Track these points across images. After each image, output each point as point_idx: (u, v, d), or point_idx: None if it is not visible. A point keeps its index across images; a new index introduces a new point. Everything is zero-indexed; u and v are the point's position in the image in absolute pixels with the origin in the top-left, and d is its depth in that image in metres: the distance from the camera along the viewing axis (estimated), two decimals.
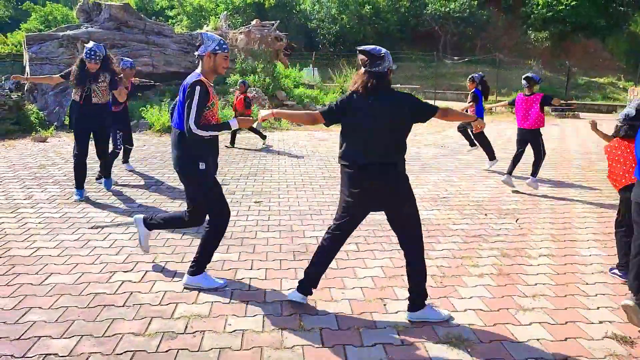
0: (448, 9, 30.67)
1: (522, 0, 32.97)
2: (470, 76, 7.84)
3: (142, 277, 3.35)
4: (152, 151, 8.64)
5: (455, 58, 26.34)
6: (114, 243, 4.02)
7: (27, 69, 12.33)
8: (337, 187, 5.97)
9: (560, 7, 30.80)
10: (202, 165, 3.07)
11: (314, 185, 6.26)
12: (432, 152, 9.19)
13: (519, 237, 4.37)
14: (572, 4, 30.39)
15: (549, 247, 4.12)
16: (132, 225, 4.25)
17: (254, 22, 16.72)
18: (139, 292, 3.12)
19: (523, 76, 6.38)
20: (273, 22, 17.09)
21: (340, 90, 17.28)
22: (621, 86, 30.44)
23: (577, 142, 11.01)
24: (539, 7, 31.57)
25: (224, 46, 3.16)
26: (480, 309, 2.98)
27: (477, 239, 4.31)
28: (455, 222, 4.83)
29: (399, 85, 22.16)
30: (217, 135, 3.25)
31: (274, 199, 5.59)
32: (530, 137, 6.22)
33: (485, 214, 5.10)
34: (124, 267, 3.52)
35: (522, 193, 6.06)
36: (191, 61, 15.18)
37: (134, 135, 10.53)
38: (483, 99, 7.50)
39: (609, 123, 7.06)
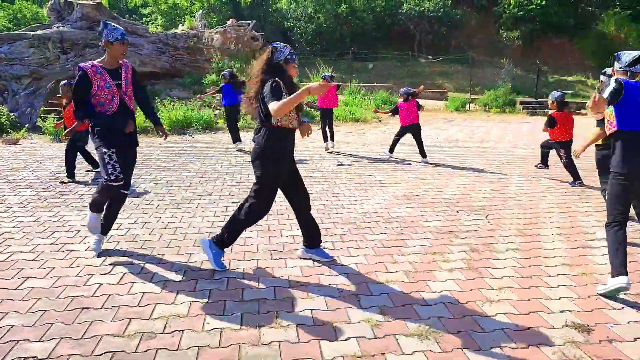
0: (423, 8, 31.08)
1: None
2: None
3: (120, 279, 3.38)
4: None
5: (430, 57, 26.76)
6: (90, 247, 4.02)
7: None
8: (314, 186, 6.06)
9: (531, 7, 31.56)
10: None
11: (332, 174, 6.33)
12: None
13: (488, 233, 4.55)
14: (542, 3, 31.18)
15: (516, 242, 4.31)
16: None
17: (229, 22, 16.67)
18: (117, 294, 3.16)
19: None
20: (249, 21, 17.07)
21: None
22: (589, 84, 31.42)
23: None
24: (511, 7, 32.28)
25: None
26: (450, 302, 3.12)
27: (449, 235, 4.47)
28: (427, 219, 4.99)
29: (375, 84, 22.40)
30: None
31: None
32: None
33: (457, 211, 5.28)
34: (101, 269, 3.55)
35: (493, 190, 6.27)
36: (167, 61, 15.07)
37: None
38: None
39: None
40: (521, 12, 32.14)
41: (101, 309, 2.96)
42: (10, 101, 11.56)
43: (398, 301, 3.13)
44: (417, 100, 8.47)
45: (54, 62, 12.66)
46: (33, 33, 12.68)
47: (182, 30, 16.27)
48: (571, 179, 6.65)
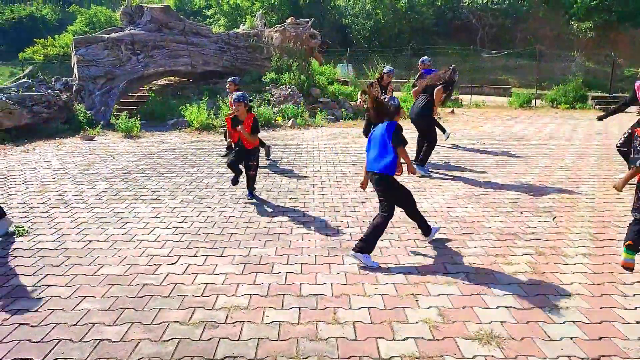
0: (486, 0, 29.94)
1: None
2: None
3: (185, 270, 3.54)
4: (192, 149, 8.94)
5: (494, 51, 25.73)
6: (159, 237, 4.25)
7: (75, 70, 12.96)
8: (371, 185, 6.05)
9: None
10: None
11: (348, 183, 6.35)
12: (468, 148, 9.08)
13: (555, 236, 4.33)
14: None
15: (587, 246, 4.06)
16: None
17: (288, 21, 16.90)
18: (183, 283, 3.32)
19: None
20: (307, 20, 17.21)
21: None
22: None
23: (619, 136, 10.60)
24: None
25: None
26: (513, 307, 3.00)
27: (512, 237, 4.29)
28: (489, 219, 4.82)
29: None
30: None
31: (308, 195, 5.72)
32: None
33: (521, 212, 5.06)
34: (168, 260, 3.74)
35: (561, 191, 5.95)
36: (228, 60, 15.55)
37: (174, 134, 10.96)
38: None
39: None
40: (594, 2, 30.14)
41: (168, 297, 3.12)
42: (87, 100, 12.40)
43: (457, 303, 3.05)
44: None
45: (126, 63, 13.42)
46: (107, 36, 13.52)
47: (243, 29, 16.70)
48: None
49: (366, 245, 3.65)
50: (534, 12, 33.14)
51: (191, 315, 2.88)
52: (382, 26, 30.74)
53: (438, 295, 3.16)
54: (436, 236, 4.27)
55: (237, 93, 5.64)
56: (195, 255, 3.83)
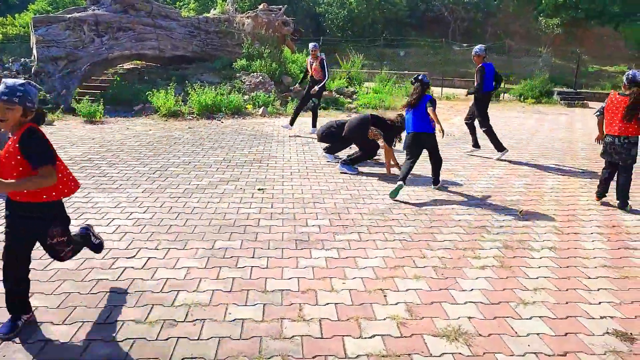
0: None
1: None
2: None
3: (145, 264, 3.37)
4: (158, 136, 8.63)
5: (465, 45, 26.00)
6: (118, 229, 4.04)
7: (34, 51, 12.32)
8: (342, 176, 5.95)
9: None
10: None
11: (318, 173, 6.24)
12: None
13: (522, 229, 4.35)
14: None
15: (552, 240, 4.10)
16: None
17: (261, 6, 16.54)
18: (141, 279, 3.15)
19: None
20: (280, 6, 16.89)
21: (347, 76, 17.14)
22: None
23: (584, 132, 10.88)
24: None
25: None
26: (481, 302, 2.98)
27: (480, 230, 4.29)
28: (458, 212, 4.81)
29: (406, 72, 21.96)
30: None
31: (277, 186, 5.58)
32: None
33: (490, 205, 5.07)
34: (126, 253, 3.55)
35: (528, 184, 6.01)
36: (198, 45, 15.10)
37: (139, 120, 10.58)
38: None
39: None
40: None
41: (124, 293, 2.95)
42: (46, 83, 11.81)
43: (426, 299, 3.01)
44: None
45: (89, 45, 12.84)
46: (69, 16, 12.88)
47: (214, 14, 16.24)
48: None
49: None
50: (505, 7, 33.68)
51: (148, 313, 2.72)
52: (356, 16, 30.59)
53: (406, 290, 3.10)
54: (405, 229, 4.23)
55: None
56: (156, 249, 3.65)
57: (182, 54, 14.81)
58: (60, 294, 2.92)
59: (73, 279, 3.11)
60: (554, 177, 6.42)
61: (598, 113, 5.22)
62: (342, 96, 14.81)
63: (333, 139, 6.83)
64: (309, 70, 9.13)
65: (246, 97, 12.89)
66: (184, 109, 11.41)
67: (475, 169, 6.80)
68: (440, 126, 5.42)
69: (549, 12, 31.77)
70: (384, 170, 6.46)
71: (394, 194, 5.14)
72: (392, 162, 6.39)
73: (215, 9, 17.29)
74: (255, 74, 13.92)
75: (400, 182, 5.20)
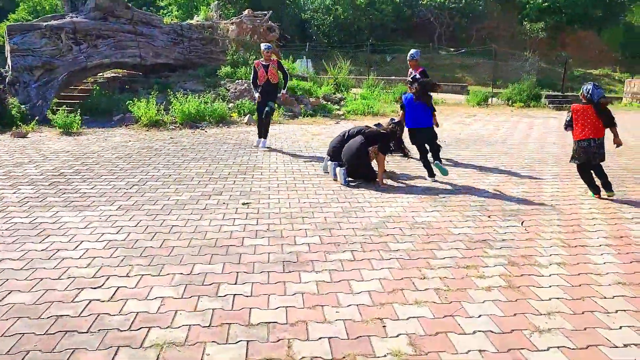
0: None
1: None
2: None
3: (113, 295, 3.00)
4: (137, 148, 8.24)
5: (452, 49, 25.98)
6: (86, 253, 3.66)
7: (9, 60, 11.84)
8: (332, 186, 5.62)
9: None
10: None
11: (307, 185, 5.92)
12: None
13: (526, 243, 4.06)
14: None
15: (560, 254, 3.81)
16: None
17: (245, 12, 16.25)
18: (108, 313, 2.77)
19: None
20: (265, 12, 16.61)
21: (334, 83, 16.89)
22: (616, 78, 30.24)
23: None
24: None
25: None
26: (491, 331, 2.66)
27: (482, 245, 3.99)
28: (457, 225, 4.51)
29: (394, 77, 21.80)
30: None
31: (263, 200, 5.24)
32: None
33: (489, 216, 4.78)
34: (93, 282, 3.17)
35: (526, 192, 5.75)
36: (181, 52, 14.72)
37: (119, 130, 10.16)
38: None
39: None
40: (546, 3, 31.08)
41: (87, 332, 2.57)
42: (21, 93, 11.33)
43: (430, 328, 2.68)
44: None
45: (67, 53, 12.39)
46: (46, 24, 12.42)
47: (197, 21, 15.90)
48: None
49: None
50: (490, 12, 33.84)
51: (113, 358, 2.36)
52: (342, 22, 30.49)
53: (407, 319, 2.77)
54: (402, 246, 3.91)
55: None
56: (127, 276, 3.28)
57: (165, 61, 14.43)
58: (13, 335, 2.54)
59: (28, 316, 2.72)
60: (552, 184, 6.18)
61: (567, 126, 5.63)
62: (329, 102, 14.54)
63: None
64: (265, 74, 8.07)
65: (231, 105, 12.55)
66: (166, 119, 11.02)
67: (470, 176, 6.53)
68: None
69: (533, 16, 31.99)
70: (374, 182, 6.16)
71: (444, 172, 6.13)
72: (384, 172, 6.10)
73: (198, 15, 16.95)
74: (240, 81, 13.59)
75: (437, 163, 6.20)
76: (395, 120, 6.33)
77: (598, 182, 5.56)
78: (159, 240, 3.97)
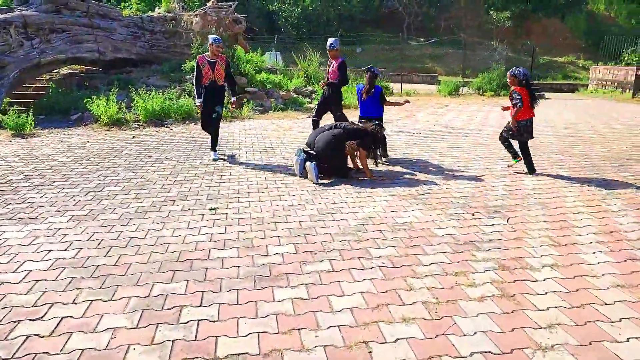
0: None
1: None
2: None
3: (55, 329, 2.57)
4: (96, 149, 7.67)
5: (422, 39, 25.90)
6: (27, 276, 3.20)
7: None
8: (306, 186, 5.28)
9: None
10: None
11: (279, 185, 5.55)
12: (404, 139, 8.59)
13: (515, 243, 3.82)
14: None
15: (551, 254, 3.58)
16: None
17: (209, 4, 15.59)
18: (47, 352, 2.36)
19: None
20: (230, 3, 16.00)
21: (305, 75, 16.48)
22: (580, 65, 30.88)
23: (549, 124, 10.68)
24: None
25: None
26: (490, 352, 2.38)
27: (469, 247, 3.72)
28: (440, 225, 4.23)
29: (363, 69, 21.51)
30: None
31: (232, 204, 4.85)
32: None
33: (473, 214, 4.53)
34: (32, 313, 2.73)
35: (508, 185, 5.55)
36: (143, 46, 14.02)
37: (77, 130, 9.51)
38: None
39: (573, 103, 6.66)
40: None
41: None
42: None
43: (421, 351, 2.38)
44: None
45: (17, 49, 11.55)
46: None
47: (159, 13, 15.17)
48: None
49: None
50: (457, 2, 33.97)
51: None
52: (310, 13, 30.01)
53: (396, 340, 2.46)
54: (384, 252, 3.60)
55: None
56: (73, 302, 2.85)
57: (126, 56, 13.70)
58: None
59: None
60: (532, 176, 5.99)
61: (521, 104, 5.87)
62: (300, 96, 14.14)
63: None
64: (210, 73, 6.65)
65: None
66: (128, 117, 10.40)
67: (449, 170, 6.29)
68: (404, 102, 7.08)
69: (499, 5, 32.26)
70: (348, 179, 5.85)
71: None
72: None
73: (159, 7, 16.19)
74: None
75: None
76: (376, 122, 6.12)
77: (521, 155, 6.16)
78: (114, 256, 3.54)
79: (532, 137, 6.07)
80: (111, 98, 10.40)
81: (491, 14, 32.41)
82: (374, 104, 6.62)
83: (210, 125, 6.95)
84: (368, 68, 6.82)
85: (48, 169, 6.29)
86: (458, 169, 6.33)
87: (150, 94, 11.03)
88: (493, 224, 4.24)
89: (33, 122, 9.35)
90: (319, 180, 5.63)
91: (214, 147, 6.99)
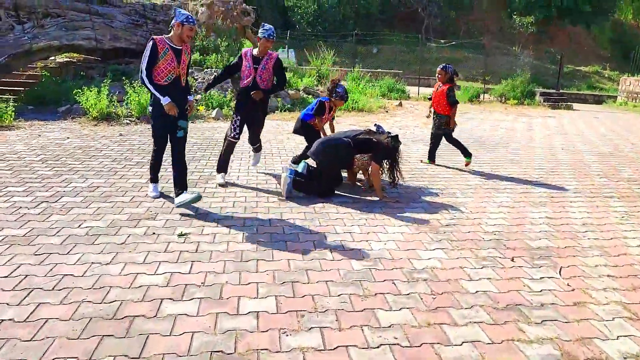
0: None
1: None
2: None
3: None
4: (74, 147, 6.78)
5: (442, 41, 24.82)
6: None
7: None
8: (303, 208, 4.13)
9: None
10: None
11: (271, 204, 4.59)
12: (422, 150, 7.59)
13: (574, 310, 2.81)
14: None
15: (632, 336, 2.57)
16: None
17: None
18: None
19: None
20: None
21: (317, 74, 15.52)
22: (606, 75, 29.51)
23: (583, 139, 9.59)
24: None
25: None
26: None
27: (513, 314, 2.72)
28: (470, 274, 3.24)
29: (380, 70, 20.53)
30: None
31: (209, 228, 3.90)
32: None
33: (512, 258, 3.53)
34: None
35: (550, 218, 4.52)
36: (144, 36, 13.16)
37: (63, 124, 8.66)
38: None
39: (604, 116, 5.71)
40: None
41: None
42: None
43: None
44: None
45: (8, 33, 10.76)
46: None
47: (163, 1, 14.32)
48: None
49: None
50: (478, 5, 32.75)
51: None
52: (327, 10, 29.04)
53: None
54: (396, 318, 2.62)
55: None
56: None
57: (125, 46, 12.85)
58: None
59: None
60: (579, 206, 4.96)
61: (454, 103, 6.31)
62: (310, 96, 13.18)
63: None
64: (174, 68, 4.30)
65: (198, 96, 11.09)
66: (119, 111, 9.53)
67: (476, 192, 5.28)
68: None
69: (521, 9, 30.98)
70: (358, 202, 4.88)
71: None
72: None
73: None
74: (209, 69, 12.12)
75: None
76: (392, 134, 5.07)
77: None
78: (30, 305, 2.60)
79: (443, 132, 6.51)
80: (103, 90, 9.52)
81: (514, 19, 31.14)
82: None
83: (174, 148, 4.46)
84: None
85: (7, 170, 5.40)
86: (487, 192, 5.32)
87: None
88: (541, 277, 3.23)
89: (13, 113, 8.51)
90: (289, 195, 4.71)
91: (181, 185, 4.40)
